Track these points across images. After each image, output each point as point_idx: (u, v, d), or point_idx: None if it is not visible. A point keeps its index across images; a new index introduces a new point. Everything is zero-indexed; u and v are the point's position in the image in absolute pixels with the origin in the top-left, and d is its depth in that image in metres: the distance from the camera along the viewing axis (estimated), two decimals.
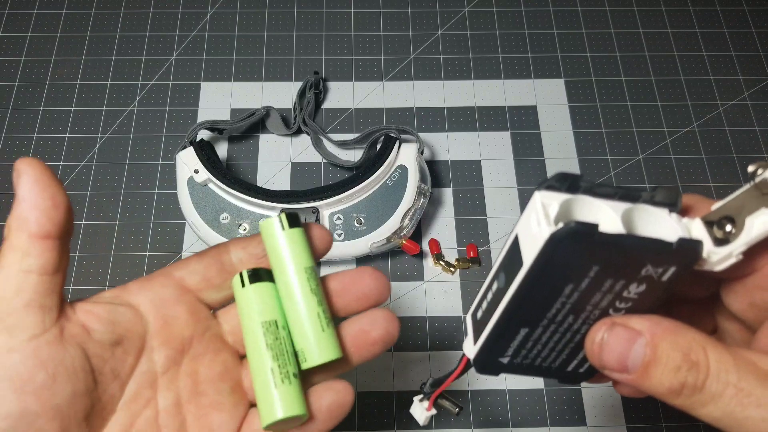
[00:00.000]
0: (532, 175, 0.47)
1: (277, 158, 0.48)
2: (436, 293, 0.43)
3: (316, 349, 0.25)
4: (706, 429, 0.39)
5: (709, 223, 0.19)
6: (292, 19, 0.53)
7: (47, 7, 0.53)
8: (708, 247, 0.19)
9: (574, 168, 0.47)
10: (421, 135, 0.48)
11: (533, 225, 0.19)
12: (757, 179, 0.18)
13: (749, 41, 0.53)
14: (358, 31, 0.53)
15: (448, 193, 0.46)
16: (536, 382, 0.40)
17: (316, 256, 0.26)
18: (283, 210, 0.25)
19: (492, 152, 0.48)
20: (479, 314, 0.22)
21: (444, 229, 0.45)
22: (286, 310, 0.25)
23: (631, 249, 0.18)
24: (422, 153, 0.44)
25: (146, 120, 0.49)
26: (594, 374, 0.23)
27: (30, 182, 0.22)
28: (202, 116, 0.49)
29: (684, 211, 0.21)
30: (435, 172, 0.47)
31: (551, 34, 0.53)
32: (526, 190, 0.47)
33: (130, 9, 0.53)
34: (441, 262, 0.44)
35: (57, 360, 0.22)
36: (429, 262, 0.44)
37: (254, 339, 0.25)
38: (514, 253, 0.20)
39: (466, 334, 0.23)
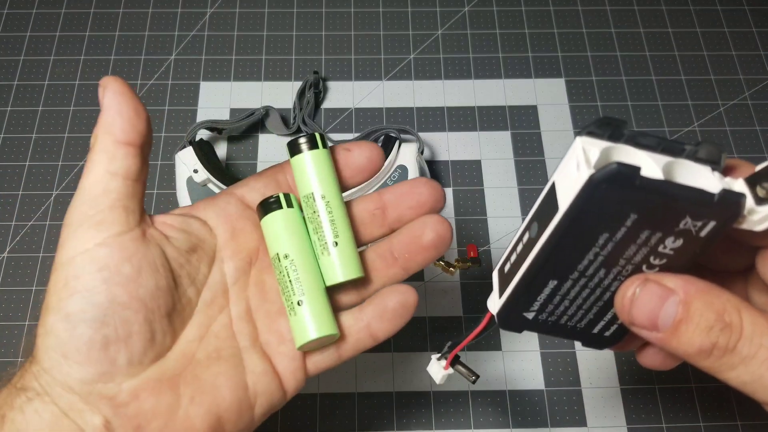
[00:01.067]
0: (532, 175, 0.47)
1: (277, 158, 0.47)
2: (436, 293, 0.43)
3: (326, 273, 0.26)
4: (706, 430, 0.39)
5: (752, 184, 0.19)
6: (292, 19, 0.53)
7: (46, 6, 0.53)
8: (750, 204, 0.18)
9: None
10: (421, 135, 0.48)
11: (572, 169, 0.18)
12: None
13: (749, 41, 0.53)
14: (358, 30, 0.53)
15: (448, 193, 0.46)
16: (536, 383, 0.40)
17: (362, 175, 0.28)
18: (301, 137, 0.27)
19: (492, 152, 0.48)
20: (507, 267, 0.22)
21: None
22: None
23: (672, 197, 0.17)
24: (422, 153, 0.44)
25: None
26: (620, 339, 0.22)
27: (115, 93, 0.23)
28: (202, 116, 0.49)
29: (727, 171, 0.20)
30: (435, 172, 0.47)
31: (551, 34, 0.53)
32: (526, 190, 0.47)
33: (129, 9, 0.53)
34: (441, 262, 0.43)
35: (141, 255, 0.23)
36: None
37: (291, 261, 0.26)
38: (550, 200, 0.19)
39: (492, 291, 0.23)
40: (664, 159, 0.19)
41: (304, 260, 0.26)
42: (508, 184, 0.47)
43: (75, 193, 0.24)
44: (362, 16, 0.53)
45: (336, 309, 0.27)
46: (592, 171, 0.17)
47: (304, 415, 0.39)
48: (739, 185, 0.19)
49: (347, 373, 0.41)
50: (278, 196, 0.26)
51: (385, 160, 0.28)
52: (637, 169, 0.17)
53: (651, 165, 0.18)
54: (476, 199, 0.46)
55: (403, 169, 0.42)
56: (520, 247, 0.21)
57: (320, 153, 0.27)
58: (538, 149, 0.48)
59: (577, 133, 0.19)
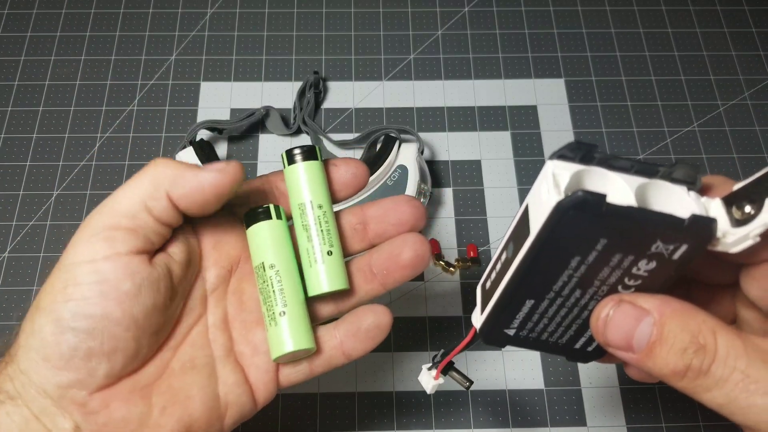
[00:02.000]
0: (532, 175, 0.47)
1: (277, 158, 0.47)
2: (436, 293, 0.43)
3: (311, 283, 0.26)
4: (706, 429, 0.39)
5: (728, 204, 0.19)
6: (292, 19, 0.53)
7: (47, 6, 0.53)
8: (724, 227, 0.18)
9: None
10: (421, 135, 0.48)
11: (543, 194, 0.18)
12: None
13: (749, 41, 0.53)
14: (358, 30, 0.53)
15: (448, 193, 0.46)
16: (536, 383, 0.40)
17: (347, 191, 0.28)
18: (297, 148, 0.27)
19: (492, 152, 0.48)
20: (488, 284, 0.22)
21: (444, 229, 0.45)
22: None
23: (641, 223, 0.17)
24: (422, 153, 0.44)
25: (146, 120, 0.49)
26: (603, 354, 0.22)
27: (221, 172, 0.23)
28: (202, 116, 0.49)
29: (704, 190, 0.20)
30: (435, 172, 0.47)
31: (551, 34, 0.53)
32: (526, 190, 0.46)
33: (129, 9, 0.53)
34: (441, 262, 0.43)
35: (144, 274, 0.23)
36: (429, 262, 0.44)
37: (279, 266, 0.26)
38: (524, 222, 0.19)
39: (476, 305, 0.23)
40: (638, 180, 0.19)
41: (289, 272, 0.26)
42: (508, 184, 0.47)
43: (108, 197, 0.23)
44: (362, 16, 0.53)
45: (313, 320, 0.27)
46: (559, 197, 0.17)
47: (304, 415, 0.39)
48: (715, 205, 0.19)
49: (347, 373, 0.41)
50: (267, 207, 0.26)
51: (369, 177, 0.28)
52: (603, 196, 0.17)
53: (623, 188, 0.18)
54: (476, 199, 0.46)
55: (403, 169, 0.42)
56: (498, 266, 0.21)
57: (317, 164, 0.27)
58: (537, 149, 0.48)
59: (549, 157, 0.19)
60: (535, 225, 0.18)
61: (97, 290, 0.22)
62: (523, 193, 0.46)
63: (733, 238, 0.18)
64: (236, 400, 0.25)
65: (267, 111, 0.47)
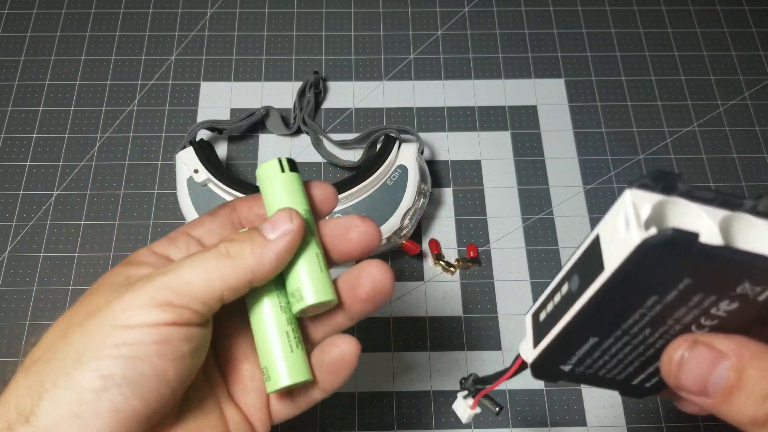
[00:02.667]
0: (532, 175, 0.47)
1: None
2: (436, 293, 0.43)
3: (303, 294, 0.24)
4: (706, 430, 0.39)
5: None
6: (292, 19, 0.53)
7: (47, 6, 0.53)
8: None
9: (573, 168, 0.47)
10: (421, 135, 0.48)
11: (621, 227, 0.17)
12: None
13: (749, 41, 0.53)
14: (358, 30, 0.53)
15: (448, 193, 0.46)
16: (536, 382, 0.40)
17: (320, 213, 0.26)
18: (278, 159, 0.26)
19: (492, 152, 0.48)
20: (542, 316, 0.21)
21: (444, 229, 0.45)
22: None
23: (731, 263, 0.16)
24: (422, 153, 0.44)
25: (146, 120, 0.49)
26: (662, 390, 0.21)
27: (280, 231, 0.23)
28: (202, 116, 0.49)
29: None
30: (435, 172, 0.47)
31: (551, 34, 0.53)
32: (526, 190, 0.47)
33: (129, 9, 0.53)
34: (441, 262, 0.43)
35: (200, 338, 0.23)
36: (429, 262, 0.44)
37: (267, 303, 0.25)
38: (593, 255, 0.18)
39: (525, 336, 0.22)
40: (722, 213, 0.18)
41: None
42: (508, 184, 0.47)
43: (176, 267, 0.22)
44: (362, 16, 0.53)
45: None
46: (645, 234, 0.16)
47: (304, 415, 0.39)
48: None
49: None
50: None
51: (337, 201, 0.27)
52: (695, 235, 0.16)
53: (706, 222, 0.17)
54: (476, 199, 0.46)
55: (403, 169, 0.42)
56: (558, 298, 0.20)
57: (296, 176, 0.26)
58: (538, 149, 0.48)
59: (628, 185, 0.18)
60: (612, 261, 0.17)
61: (154, 350, 0.21)
62: (523, 193, 0.46)
63: None
64: None
65: (267, 111, 0.47)
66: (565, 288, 0.20)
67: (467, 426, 0.39)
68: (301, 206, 0.25)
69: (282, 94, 0.50)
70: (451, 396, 0.40)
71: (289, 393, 0.26)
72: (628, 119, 0.49)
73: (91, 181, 0.46)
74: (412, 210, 0.42)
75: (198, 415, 0.24)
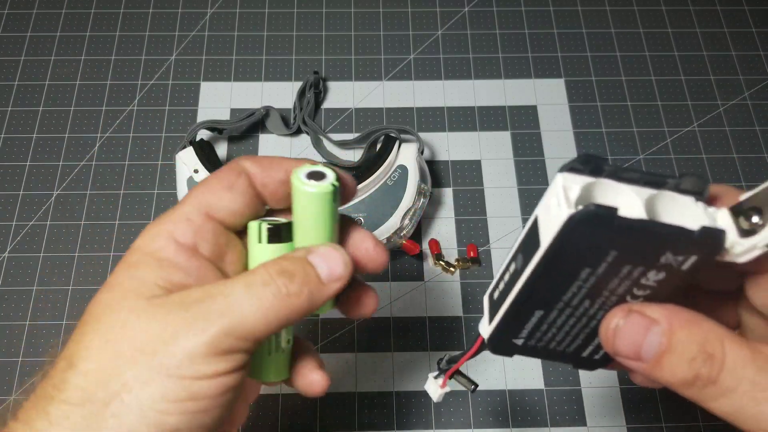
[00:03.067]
0: (532, 175, 0.47)
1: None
2: (436, 293, 0.43)
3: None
4: (706, 430, 0.39)
5: (736, 214, 0.19)
6: (292, 19, 0.53)
7: (47, 6, 0.53)
8: (732, 238, 0.18)
9: None
10: (421, 135, 0.48)
11: (553, 206, 0.19)
12: None
13: (749, 41, 0.53)
14: (358, 30, 0.53)
15: (448, 193, 0.46)
16: (536, 382, 0.40)
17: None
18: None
19: (492, 152, 0.48)
20: (496, 295, 0.22)
21: (444, 229, 0.45)
22: None
23: (651, 235, 0.18)
24: (422, 153, 0.44)
25: (146, 120, 0.49)
26: (610, 361, 0.22)
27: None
28: (202, 116, 0.49)
29: (711, 201, 0.20)
30: (435, 172, 0.47)
31: (551, 34, 0.53)
32: (526, 190, 0.47)
33: (129, 9, 0.53)
34: (441, 262, 0.43)
35: (239, 389, 0.22)
36: (429, 262, 0.44)
37: None
38: (533, 234, 0.20)
39: (483, 315, 0.23)
40: (647, 192, 0.19)
41: None
42: (508, 184, 0.47)
43: (227, 303, 0.21)
44: (362, 16, 0.53)
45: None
46: (570, 210, 0.18)
47: (304, 415, 0.39)
48: (722, 215, 0.19)
49: (347, 373, 0.41)
50: (287, 225, 0.24)
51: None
52: (614, 209, 0.17)
53: (633, 199, 0.19)
54: (476, 199, 0.46)
55: (403, 169, 0.42)
56: (507, 276, 0.21)
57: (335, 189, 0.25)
58: (537, 149, 0.48)
59: (559, 170, 0.19)
60: (546, 237, 0.19)
61: (218, 402, 0.21)
62: (523, 193, 0.46)
63: (741, 249, 0.18)
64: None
65: (267, 111, 0.47)
66: (512, 267, 0.21)
67: (466, 425, 0.39)
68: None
69: (282, 94, 0.50)
70: (451, 396, 0.40)
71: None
72: (628, 119, 0.49)
73: (91, 181, 0.46)
74: (412, 210, 0.42)
75: None
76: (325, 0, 0.54)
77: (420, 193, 0.42)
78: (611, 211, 0.17)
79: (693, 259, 0.18)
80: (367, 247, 0.24)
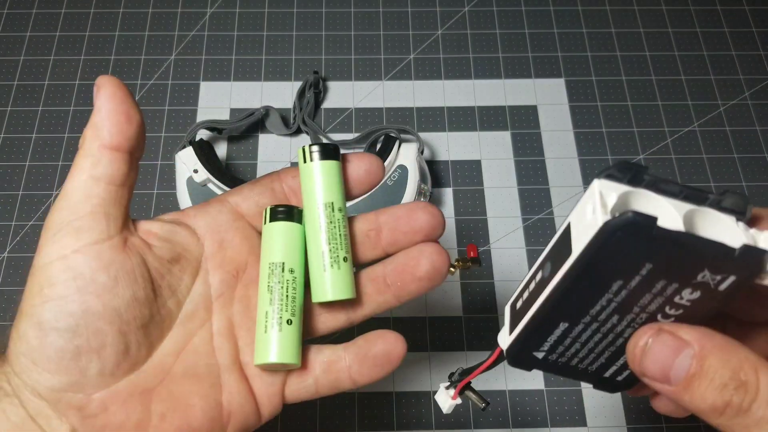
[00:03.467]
0: (532, 175, 0.47)
1: (277, 158, 0.47)
2: (436, 293, 0.43)
3: (317, 289, 0.25)
4: (707, 430, 0.39)
5: None
6: (292, 19, 0.53)
7: (46, 6, 0.53)
8: None
9: (573, 168, 0.47)
10: (421, 135, 0.48)
11: (588, 213, 0.18)
12: None
13: (749, 41, 0.53)
14: (358, 30, 0.53)
15: (448, 193, 0.46)
16: (536, 383, 0.40)
17: (361, 188, 0.27)
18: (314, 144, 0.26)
19: (492, 152, 0.48)
20: (518, 304, 0.21)
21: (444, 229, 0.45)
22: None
23: (690, 249, 0.17)
24: (422, 153, 0.44)
25: (145, 120, 0.48)
26: (632, 385, 0.22)
27: (107, 95, 0.23)
28: (202, 116, 0.49)
29: (753, 222, 0.19)
30: (435, 172, 0.47)
31: (551, 34, 0.53)
32: (526, 190, 0.47)
33: (129, 8, 0.53)
34: None
35: (119, 264, 0.23)
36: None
37: (260, 278, 0.25)
38: (564, 241, 0.19)
39: (503, 325, 0.23)
40: (686, 206, 0.18)
41: (302, 280, 0.25)
42: (508, 184, 0.47)
43: (58, 196, 0.23)
44: (362, 16, 0.53)
45: (322, 330, 0.27)
46: (607, 217, 0.17)
47: (304, 415, 0.39)
48: (764, 238, 0.18)
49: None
50: (294, 207, 0.26)
51: (384, 172, 0.27)
52: (654, 219, 0.17)
53: (671, 213, 0.18)
54: (476, 199, 0.46)
55: (403, 169, 0.42)
56: (532, 285, 0.21)
57: (337, 164, 0.26)
58: (538, 149, 0.48)
59: (596, 175, 0.18)
60: (578, 245, 0.18)
61: (73, 286, 0.22)
62: (523, 193, 0.46)
63: None
64: (240, 410, 0.25)
65: (267, 111, 0.47)
66: (539, 275, 0.20)
67: (466, 426, 0.39)
68: (314, 200, 0.25)
69: (282, 94, 0.50)
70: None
71: (300, 373, 0.26)
72: (628, 119, 0.49)
73: None
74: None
75: (186, 379, 0.24)
76: (325, 0, 0.54)
77: (420, 193, 0.42)
78: (651, 220, 0.16)
79: (731, 279, 0.17)
80: (360, 170, 0.26)
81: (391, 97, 0.50)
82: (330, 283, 0.25)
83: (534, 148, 0.48)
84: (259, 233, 0.26)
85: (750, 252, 0.17)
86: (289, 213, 0.25)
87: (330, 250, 0.25)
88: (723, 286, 0.18)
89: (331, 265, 0.25)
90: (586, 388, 0.40)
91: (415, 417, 0.39)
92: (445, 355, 0.41)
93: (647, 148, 0.48)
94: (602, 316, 0.19)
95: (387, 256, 0.27)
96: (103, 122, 0.23)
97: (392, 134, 0.44)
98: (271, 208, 0.26)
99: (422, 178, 0.43)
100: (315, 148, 0.25)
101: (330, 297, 0.25)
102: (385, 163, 0.42)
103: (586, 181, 0.47)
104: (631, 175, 0.18)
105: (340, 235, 0.25)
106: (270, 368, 0.25)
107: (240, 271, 0.26)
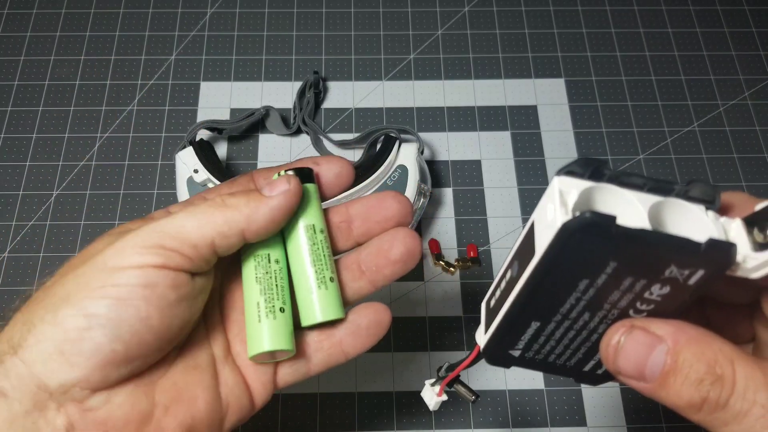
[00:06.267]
0: (532, 175, 0.47)
1: (277, 158, 0.47)
2: (436, 293, 0.43)
3: (305, 311, 0.25)
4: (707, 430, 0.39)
5: (750, 225, 0.17)
6: (292, 19, 0.53)
7: (46, 6, 0.53)
8: (745, 252, 0.17)
9: None
10: (421, 135, 0.48)
11: (549, 212, 0.17)
12: None
13: (749, 41, 0.53)
14: (358, 30, 0.53)
15: (448, 193, 0.46)
16: (536, 383, 0.40)
17: (330, 191, 0.27)
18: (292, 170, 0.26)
19: (492, 152, 0.48)
20: (492, 302, 0.21)
21: (444, 229, 0.45)
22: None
23: (654, 247, 0.16)
24: (422, 153, 0.44)
25: (146, 120, 0.49)
26: (613, 376, 0.21)
27: (277, 190, 0.24)
28: (202, 116, 0.49)
29: (723, 210, 0.18)
30: (435, 172, 0.47)
31: (551, 34, 0.53)
32: (526, 190, 0.47)
33: (129, 8, 0.53)
34: (441, 262, 0.43)
35: (188, 289, 0.23)
36: (429, 262, 0.44)
37: (247, 271, 0.25)
38: (529, 241, 0.18)
39: (480, 323, 0.22)
40: (653, 199, 0.18)
41: (287, 272, 0.26)
42: (508, 184, 0.47)
43: (168, 215, 0.23)
44: (362, 16, 0.53)
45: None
46: (565, 218, 0.16)
47: (304, 415, 0.39)
48: (735, 226, 0.18)
49: (347, 373, 0.41)
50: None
51: (354, 177, 0.27)
52: (613, 218, 0.16)
53: (636, 207, 0.17)
54: (476, 199, 0.46)
55: (403, 169, 0.42)
56: (503, 284, 0.20)
57: (314, 187, 0.26)
58: (538, 149, 0.48)
59: (556, 173, 0.18)
60: (540, 245, 0.17)
61: (140, 294, 0.21)
62: (523, 193, 0.46)
63: (755, 263, 0.17)
64: (236, 401, 0.25)
65: (267, 111, 0.47)
66: (508, 274, 0.20)
67: (466, 426, 0.39)
68: (319, 224, 0.26)
69: (282, 94, 0.50)
70: (451, 396, 0.40)
71: (301, 353, 0.26)
72: (628, 119, 0.49)
73: (91, 181, 0.46)
74: (412, 210, 0.42)
75: (188, 371, 0.24)
76: (325, 0, 0.54)
77: (420, 193, 0.42)
78: (609, 219, 0.16)
79: (700, 273, 0.17)
80: (333, 171, 0.26)
81: (391, 97, 0.50)
82: (318, 304, 0.25)
83: (534, 148, 0.48)
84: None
85: (716, 246, 0.16)
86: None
87: (316, 272, 0.25)
88: (692, 281, 0.17)
89: (318, 287, 0.25)
90: (586, 389, 0.40)
91: (415, 417, 0.39)
92: (444, 355, 0.41)
93: (647, 148, 0.48)
94: (573, 314, 0.19)
95: (357, 245, 0.27)
96: (262, 215, 0.23)
97: (392, 134, 0.44)
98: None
99: (422, 178, 0.43)
100: (291, 173, 0.25)
101: (320, 318, 0.25)
102: (385, 163, 0.42)
103: None
104: (592, 169, 0.18)
105: (324, 255, 0.25)
106: (264, 358, 0.25)
107: (225, 264, 0.27)
